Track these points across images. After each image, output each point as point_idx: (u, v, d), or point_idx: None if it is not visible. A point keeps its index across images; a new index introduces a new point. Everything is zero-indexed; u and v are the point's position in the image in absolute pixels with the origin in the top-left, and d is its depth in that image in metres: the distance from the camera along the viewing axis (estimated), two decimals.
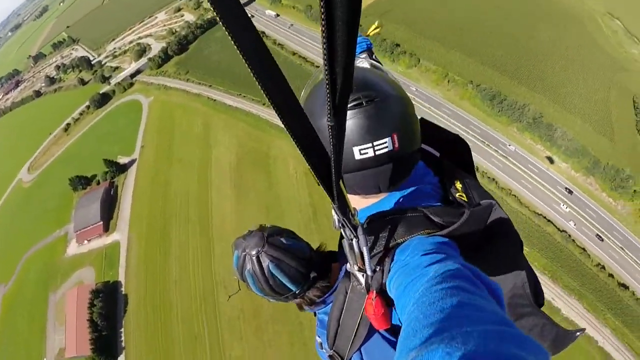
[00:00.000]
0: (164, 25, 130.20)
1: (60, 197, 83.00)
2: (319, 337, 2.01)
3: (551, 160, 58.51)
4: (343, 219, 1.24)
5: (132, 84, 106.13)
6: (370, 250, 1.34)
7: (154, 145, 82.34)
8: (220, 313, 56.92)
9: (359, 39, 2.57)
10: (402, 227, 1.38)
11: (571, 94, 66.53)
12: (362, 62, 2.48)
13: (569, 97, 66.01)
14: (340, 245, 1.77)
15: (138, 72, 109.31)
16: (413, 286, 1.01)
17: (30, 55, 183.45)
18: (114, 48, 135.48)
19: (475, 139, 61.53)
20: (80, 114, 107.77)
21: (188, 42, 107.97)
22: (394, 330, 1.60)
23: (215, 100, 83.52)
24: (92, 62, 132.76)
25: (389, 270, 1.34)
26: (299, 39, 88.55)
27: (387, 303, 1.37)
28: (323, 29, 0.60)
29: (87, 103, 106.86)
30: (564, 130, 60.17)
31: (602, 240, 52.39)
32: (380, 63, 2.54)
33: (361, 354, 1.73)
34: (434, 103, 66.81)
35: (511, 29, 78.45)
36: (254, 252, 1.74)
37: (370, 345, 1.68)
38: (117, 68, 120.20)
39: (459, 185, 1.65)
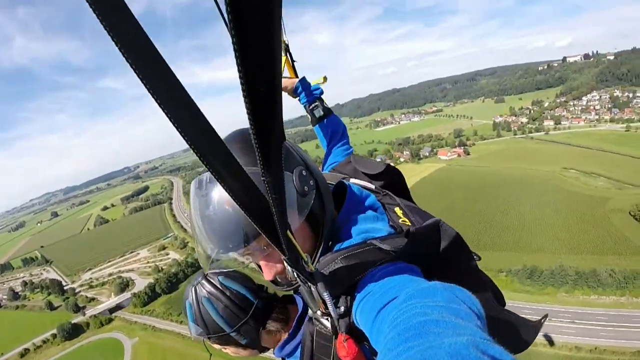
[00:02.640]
0: (148, 262, 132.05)
1: None
2: None
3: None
4: (296, 271, 1.18)
5: (110, 320, 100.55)
6: (331, 293, 1.26)
7: None
8: None
9: (310, 87, 2.86)
10: (357, 263, 1.34)
11: (585, 239, 74.26)
12: (317, 108, 2.79)
13: (585, 243, 73.41)
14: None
15: (119, 307, 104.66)
16: (386, 310, 1.01)
17: None
18: (91, 278, 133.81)
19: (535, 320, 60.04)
20: (44, 341, 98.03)
21: (178, 281, 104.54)
22: None
23: None
24: (65, 288, 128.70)
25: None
26: None
27: (358, 341, 1.34)
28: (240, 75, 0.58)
29: (54, 331, 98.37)
30: (605, 268, 63.49)
31: None
32: (332, 112, 2.85)
33: None
34: None
35: (502, 217, 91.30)
36: (193, 283, 1.94)
37: None
38: (93, 299, 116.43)
39: (399, 211, 1.72)
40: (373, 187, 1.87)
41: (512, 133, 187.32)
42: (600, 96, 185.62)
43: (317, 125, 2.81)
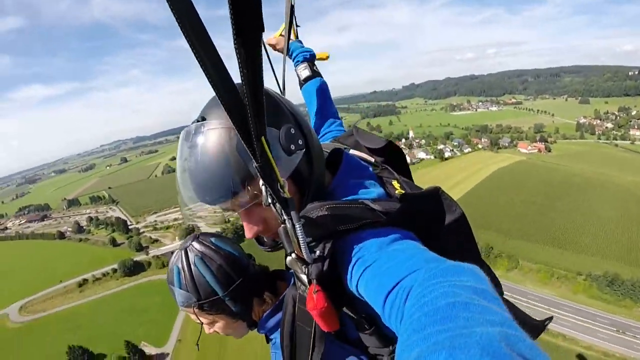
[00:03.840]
0: (215, 212, 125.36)
1: None
2: None
3: None
4: (269, 188, 1.07)
5: None
6: (308, 234, 1.17)
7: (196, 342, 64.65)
8: None
9: (302, 48, 2.76)
10: (343, 215, 1.26)
11: None
12: (305, 69, 2.66)
13: None
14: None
15: None
16: (405, 285, 0.92)
17: (65, 198, 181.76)
18: (155, 220, 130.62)
19: (608, 329, 56.49)
20: (103, 274, 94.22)
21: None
22: (351, 342, 1.54)
23: None
24: (129, 227, 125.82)
25: (339, 262, 1.23)
26: None
27: (336, 307, 1.26)
28: None
29: (115, 266, 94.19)
30: None
31: None
32: (320, 74, 2.70)
33: None
34: (550, 303, 62.38)
35: (582, 219, 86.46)
36: (183, 247, 1.78)
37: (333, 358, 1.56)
38: (156, 241, 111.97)
39: (396, 184, 1.60)
40: (373, 160, 1.82)
41: (595, 137, 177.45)
42: None
43: (303, 87, 2.73)
